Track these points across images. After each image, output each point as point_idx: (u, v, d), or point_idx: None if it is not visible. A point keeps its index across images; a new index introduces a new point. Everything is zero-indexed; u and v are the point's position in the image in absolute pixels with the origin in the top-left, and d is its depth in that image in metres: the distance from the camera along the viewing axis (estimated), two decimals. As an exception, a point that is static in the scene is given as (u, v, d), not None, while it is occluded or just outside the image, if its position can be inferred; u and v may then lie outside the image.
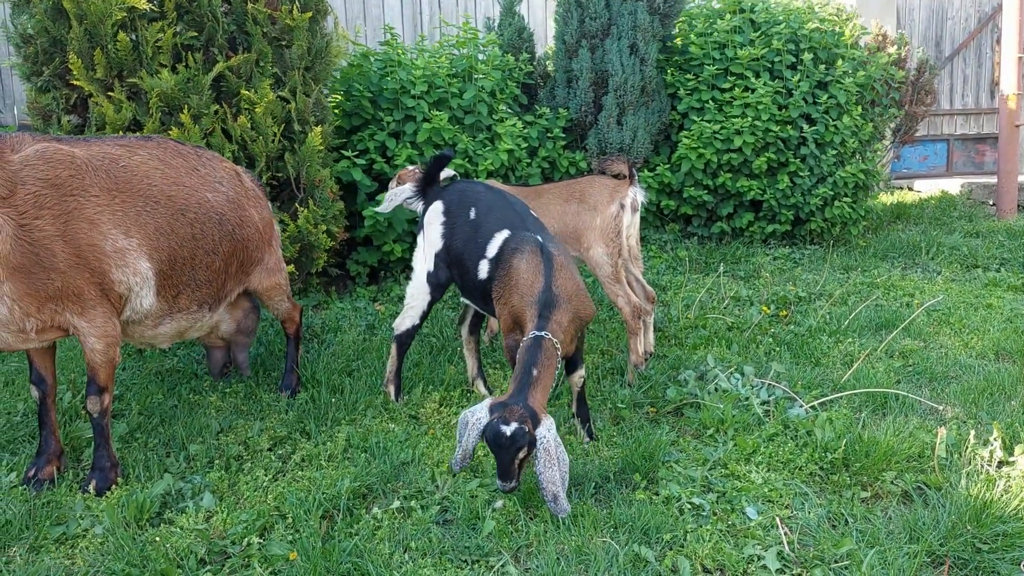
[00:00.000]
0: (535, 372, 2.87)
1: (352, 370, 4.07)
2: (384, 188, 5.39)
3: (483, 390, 3.87)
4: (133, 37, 4.38)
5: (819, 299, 5.21)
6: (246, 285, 3.63)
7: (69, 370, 4.05)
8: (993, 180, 9.24)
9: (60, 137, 3.00)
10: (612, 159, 4.24)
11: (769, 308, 4.91)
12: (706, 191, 6.13)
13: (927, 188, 9.98)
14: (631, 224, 4.11)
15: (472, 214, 3.52)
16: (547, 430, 2.73)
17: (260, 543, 2.66)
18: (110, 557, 2.58)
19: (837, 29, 6.04)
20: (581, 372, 3.31)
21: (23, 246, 2.70)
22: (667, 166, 6.12)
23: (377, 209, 4.33)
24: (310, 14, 4.72)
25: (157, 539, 2.66)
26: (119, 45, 4.29)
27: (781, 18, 6.02)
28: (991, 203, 8.84)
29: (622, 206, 4.05)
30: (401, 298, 5.32)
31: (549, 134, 5.97)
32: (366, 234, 5.36)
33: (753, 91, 5.93)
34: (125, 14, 4.29)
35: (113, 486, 2.99)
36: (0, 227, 2.66)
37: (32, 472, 3.02)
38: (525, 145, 5.68)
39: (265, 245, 3.65)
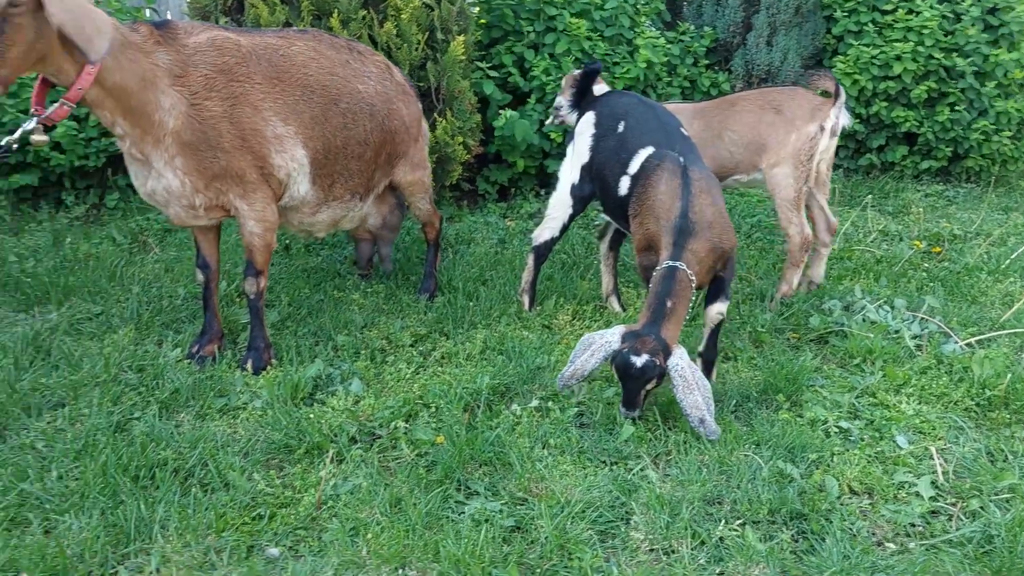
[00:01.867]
0: (668, 304, 2.80)
1: (486, 279, 4.12)
2: (520, 103, 5.36)
3: (616, 307, 3.84)
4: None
5: (976, 238, 4.88)
6: (392, 177, 3.70)
7: (223, 261, 4.27)
8: None
9: (226, 27, 3.10)
10: (819, 74, 3.96)
11: (921, 243, 4.64)
12: (857, 120, 5.78)
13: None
14: (827, 149, 3.80)
15: (621, 127, 3.43)
16: (679, 359, 2.69)
17: (406, 427, 2.76)
18: (269, 428, 2.74)
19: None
20: (721, 307, 3.07)
21: (194, 124, 2.84)
22: (819, 92, 5.80)
23: (547, 123, 4.33)
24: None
25: (311, 416, 2.80)
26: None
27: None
28: None
29: (822, 128, 3.73)
30: (531, 215, 5.34)
31: (691, 51, 5.75)
32: (496, 150, 5.35)
33: (918, 14, 5.49)
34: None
35: (267, 365, 3.16)
36: (175, 104, 2.81)
37: (196, 349, 3.23)
38: (665, 59, 5.49)
39: (412, 140, 3.71)
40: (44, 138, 2.72)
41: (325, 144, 3.19)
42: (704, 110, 4.04)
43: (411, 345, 3.42)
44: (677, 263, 2.84)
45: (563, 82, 4.17)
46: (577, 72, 4.14)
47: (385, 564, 2.12)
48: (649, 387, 2.75)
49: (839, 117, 3.77)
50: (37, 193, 5.03)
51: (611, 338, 2.75)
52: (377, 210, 3.80)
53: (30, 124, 2.69)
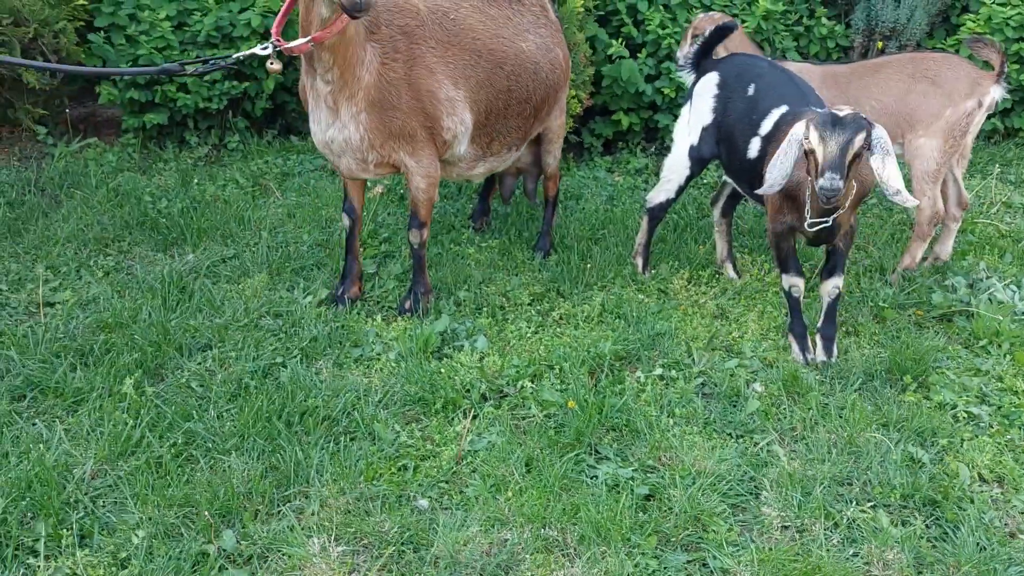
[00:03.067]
0: None
1: (598, 238, 4.15)
2: (632, 55, 5.27)
3: (732, 274, 3.84)
4: None
5: (1110, 214, 4.67)
6: (545, 124, 3.81)
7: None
8: None
9: None
10: (984, 42, 3.66)
11: (1050, 219, 4.46)
12: (983, 83, 5.52)
13: None
14: (978, 123, 3.64)
15: (751, 90, 3.38)
16: (882, 131, 2.69)
17: (532, 388, 2.86)
18: (404, 380, 2.88)
19: None
20: (838, 281, 3.09)
21: (382, 82, 2.98)
22: (944, 50, 5.54)
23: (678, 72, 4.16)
24: None
25: (442, 371, 2.92)
26: None
27: None
28: None
29: (980, 104, 3.55)
30: (638, 170, 5.31)
31: (809, 3, 5.54)
32: (603, 102, 5.30)
33: (1062, -31, 5.16)
34: None
35: (428, 309, 3.35)
36: (372, 60, 2.95)
37: (340, 292, 3.41)
38: (784, 11, 5.31)
39: (563, 85, 3.81)
40: (278, 66, 2.90)
41: (488, 107, 3.31)
42: (838, 74, 3.87)
43: (529, 304, 3.49)
44: None
45: (688, 31, 4.05)
46: (703, 19, 4.02)
47: (528, 523, 2.23)
48: (857, 144, 2.65)
49: (998, 94, 3.57)
50: (162, 132, 5.23)
51: (797, 129, 2.75)
52: (528, 149, 3.92)
53: (265, 50, 2.86)
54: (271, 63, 2.88)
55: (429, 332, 3.11)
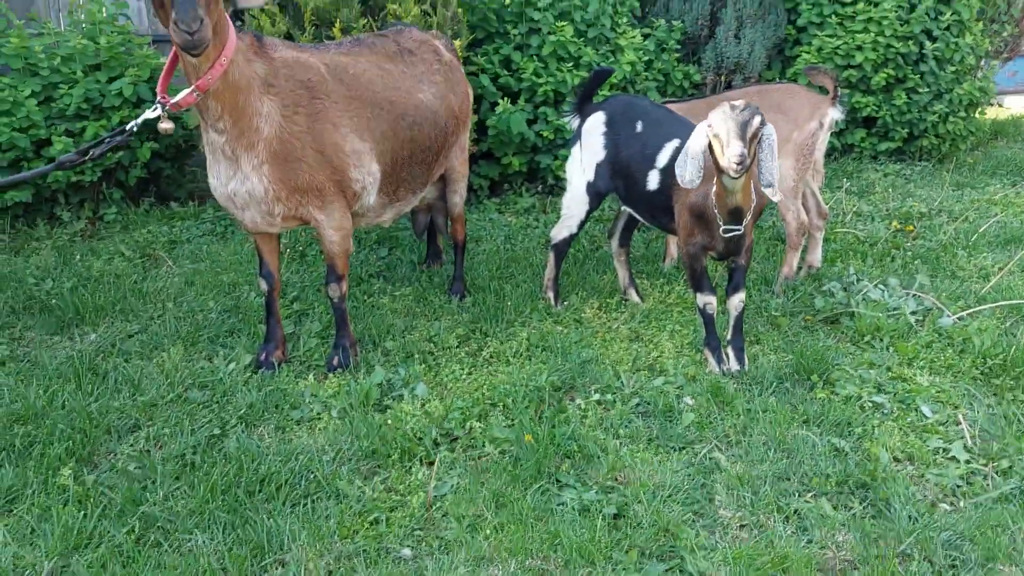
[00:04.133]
0: None
1: (507, 276, 4.29)
2: (512, 101, 5.50)
3: (636, 298, 4.07)
4: (287, -50, 4.49)
5: (939, 215, 5.31)
6: (446, 166, 3.94)
7: (247, 272, 4.32)
8: (1088, 97, 9.09)
9: (300, 45, 3.25)
10: (819, 69, 4.12)
11: (897, 224, 5.02)
12: (820, 107, 6.15)
13: (1017, 105, 9.83)
14: (823, 141, 4.10)
15: (639, 127, 3.65)
16: (771, 129, 2.94)
17: (481, 427, 2.93)
18: (351, 436, 2.87)
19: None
20: (742, 296, 3.38)
21: (284, 135, 2.98)
22: (784, 81, 6.14)
23: None
24: (455, -72, 4.76)
25: (389, 422, 2.95)
26: (275, -43, 4.40)
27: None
28: (1088, 121, 8.70)
29: (821, 124, 4.00)
30: (527, 209, 5.52)
31: (663, 47, 6.00)
32: (489, 147, 5.50)
33: (876, 5, 5.87)
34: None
35: (356, 363, 3.35)
36: (271, 112, 2.95)
37: (263, 356, 3.34)
38: (645, 58, 5.73)
39: (462, 125, 3.95)
40: (170, 125, 2.82)
41: (393, 157, 3.38)
42: (697, 108, 4.19)
43: (457, 346, 3.57)
44: None
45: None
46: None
47: (512, 556, 2.30)
48: (755, 125, 2.87)
49: (836, 115, 4.04)
50: (30, 209, 4.95)
51: (700, 126, 2.97)
52: (435, 187, 4.03)
53: (155, 112, 2.79)
54: (162, 123, 2.83)
55: (368, 386, 3.12)
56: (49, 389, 3.09)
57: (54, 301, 3.87)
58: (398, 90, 3.44)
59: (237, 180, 3.01)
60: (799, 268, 4.29)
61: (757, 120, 2.88)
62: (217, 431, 2.91)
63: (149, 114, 2.83)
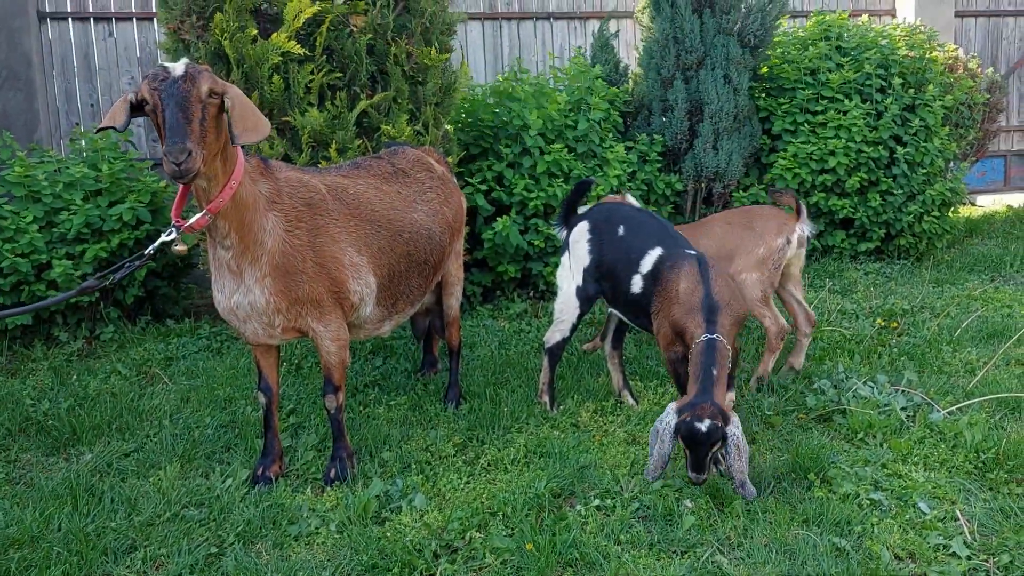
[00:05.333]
0: (715, 372, 3.11)
1: (501, 382, 4.34)
2: (501, 212, 5.69)
3: (631, 400, 4.11)
4: (285, 78, 4.73)
5: (921, 311, 5.43)
6: (443, 274, 4.10)
7: (243, 386, 4.35)
8: (1055, 194, 9.43)
9: (303, 167, 3.45)
10: (781, 191, 4.43)
11: (882, 320, 5.13)
12: (799, 210, 6.38)
13: (988, 203, 10.16)
14: (796, 255, 4.30)
15: (621, 231, 3.79)
16: (736, 427, 2.97)
17: (481, 537, 2.92)
18: (351, 550, 2.85)
19: (927, 56, 6.30)
20: (731, 395, 3.41)
21: (286, 248, 3.12)
22: (761, 187, 6.39)
23: None
24: (447, 56, 5.05)
25: (388, 535, 2.93)
26: (273, 87, 4.64)
27: (872, 44, 6.29)
28: (1057, 216, 8.99)
29: (788, 240, 4.20)
30: (519, 315, 5.62)
31: (646, 158, 6.25)
32: (483, 256, 5.65)
33: (846, 113, 6.18)
34: (280, 58, 4.64)
35: (354, 472, 3.36)
36: (275, 227, 3.10)
37: (260, 471, 3.34)
38: (629, 170, 5.97)
39: (457, 235, 4.13)
40: (184, 247, 2.97)
41: (390, 270, 3.51)
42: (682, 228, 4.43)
43: (454, 455, 3.58)
44: (715, 335, 3.17)
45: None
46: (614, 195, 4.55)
47: (517, 671, 2.26)
48: (714, 449, 2.96)
49: (804, 229, 4.25)
50: (27, 331, 5.00)
51: (668, 418, 3.00)
52: (431, 293, 4.16)
53: (170, 235, 2.93)
54: (176, 245, 2.96)
55: (366, 498, 3.12)
56: (45, 511, 3.06)
57: (51, 422, 3.88)
58: (395, 210, 3.62)
59: (240, 293, 3.12)
60: (776, 368, 4.37)
61: (717, 445, 2.96)
62: (215, 549, 2.89)
63: (165, 237, 2.98)
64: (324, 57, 4.77)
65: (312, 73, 4.70)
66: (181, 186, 3.03)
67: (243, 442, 3.72)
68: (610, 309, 4.01)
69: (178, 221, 2.95)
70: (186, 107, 2.63)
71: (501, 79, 5.97)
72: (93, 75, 7.32)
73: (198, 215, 2.91)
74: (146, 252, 3.02)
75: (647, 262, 3.60)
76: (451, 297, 4.22)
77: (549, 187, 5.57)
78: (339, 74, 4.83)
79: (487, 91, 5.87)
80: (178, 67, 2.70)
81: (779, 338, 4.21)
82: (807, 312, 4.44)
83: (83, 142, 5.66)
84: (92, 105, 7.33)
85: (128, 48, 7.39)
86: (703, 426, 2.94)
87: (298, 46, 4.60)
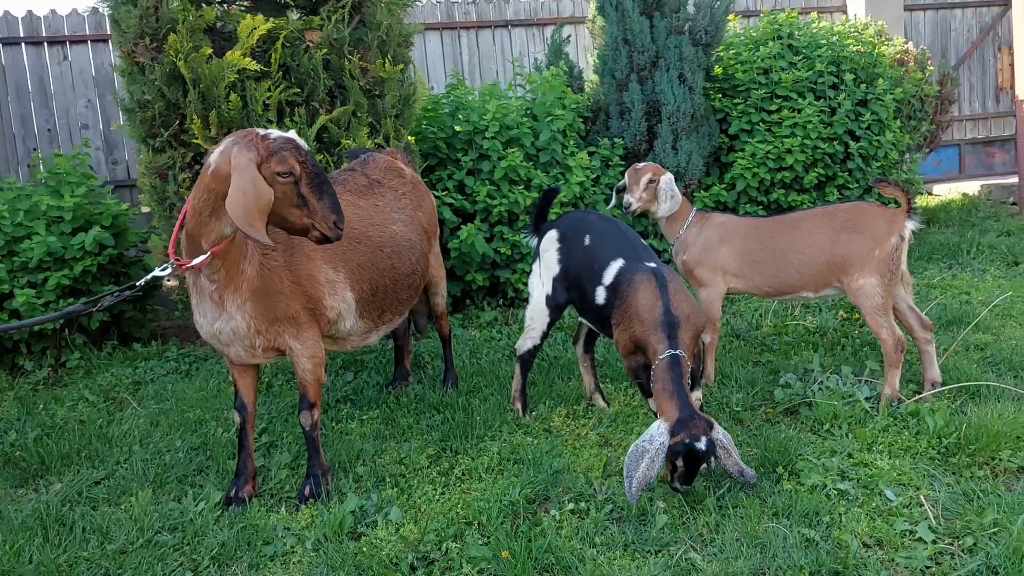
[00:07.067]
0: (684, 385, 3.17)
1: (473, 391, 4.36)
2: (467, 221, 5.72)
3: (601, 403, 4.15)
4: (242, 96, 4.72)
5: (883, 302, 5.53)
6: (427, 278, 4.18)
7: (214, 407, 4.32)
8: (1008, 180, 9.66)
9: None
10: (887, 182, 3.91)
11: (844, 313, 5.23)
12: (760, 207, 6.48)
13: (944, 192, 10.38)
14: (904, 253, 3.92)
15: (587, 240, 3.82)
16: (718, 431, 3.05)
17: (457, 547, 2.93)
18: (327, 568, 2.85)
19: (876, 51, 6.44)
20: (698, 394, 3.48)
21: (264, 271, 3.15)
22: (722, 186, 6.48)
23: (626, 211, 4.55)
24: (402, 66, 5.07)
25: (364, 550, 2.93)
26: (231, 105, 4.62)
27: (823, 42, 6.42)
28: (1011, 202, 9.21)
29: (902, 238, 3.85)
30: (489, 323, 5.64)
31: (608, 163, 6.32)
32: (451, 265, 5.67)
33: (800, 111, 6.30)
34: (236, 75, 4.63)
35: (328, 489, 3.36)
36: (252, 253, 3.13)
37: (233, 491, 3.33)
38: (592, 175, 6.03)
39: (433, 236, 4.22)
40: (175, 283, 2.99)
41: (373, 285, 3.57)
42: (761, 228, 4.21)
43: (428, 466, 3.59)
44: (678, 351, 3.22)
45: (628, 178, 4.43)
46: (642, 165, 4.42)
47: None
48: (712, 462, 3.03)
49: (913, 227, 3.89)
50: (-10, 361, 4.93)
51: (660, 438, 3.01)
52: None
53: (166, 271, 2.99)
54: (168, 281, 3.00)
55: (341, 514, 3.12)
56: (15, 544, 3.02)
57: (18, 453, 3.83)
58: (374, 226, 3.68)
59: (222, 320, 3.15)
60: (900, 388, 3.96)
61: (713, 463, 3.05)
62: (190, 574, 2.87)
63: (159, 272, 3.04)
64: (281, 73, 4.77)
65: (270, 90, 4.70)
66: (178, 222, 3.05)
67: (215, 464, 3.70)
68: (580, 317, 4.05)
69: (176, 259, 3.00)
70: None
71: (457, 79, 6.00)
72: (49, 99, 7.24)
73: (202, 257, 2.95)
74: (138, 283, 3.08)
75: (609, 274, 3.62)
76: (436, 296, 4.37)
77: (510, 193, 5.60)
78: (297, 90, 4.84)
79: (440, 101, 5.89)
80: (300, 139, 2.93)
81: (899, 350, 3.86)
82: (920, 317, 4.07)
83: (40, 166, 5.60)
84: (49, 130, 7.25)
85: (84, 71, 7.32)
86: (702, 445, 2.99)
87: (254, 63, 4.60)
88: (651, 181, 4.35)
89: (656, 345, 3.29)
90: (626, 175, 4.43)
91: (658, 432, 3.03)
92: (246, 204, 2.76)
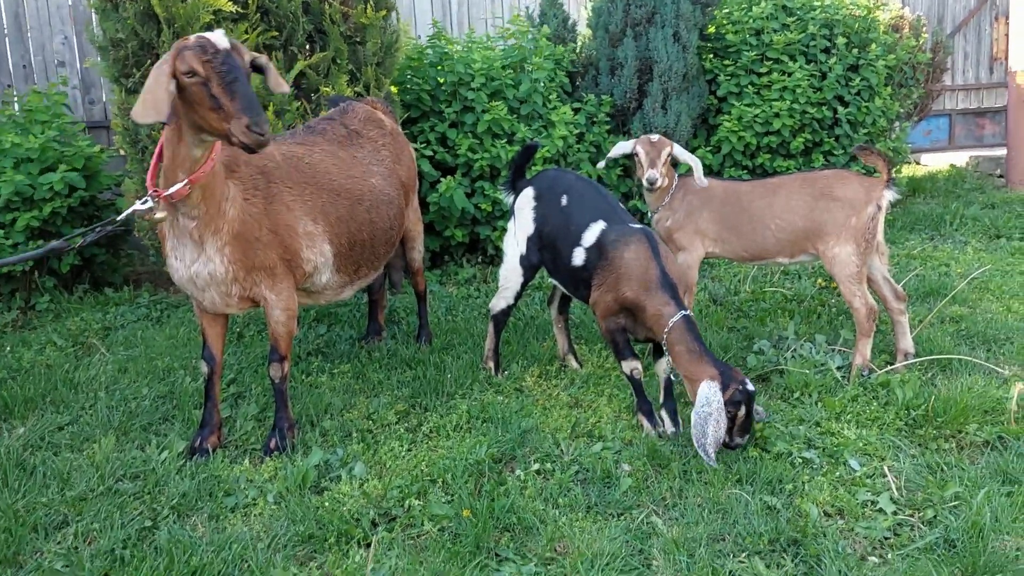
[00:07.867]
0: (705, 343, 3.21)
1: (447, 348, 4.33)
2: (447, 175, 5.63)
3: (575, 364, 4.13)
4: (219, 38, 4.57)
5: (862, 271, 5.51)
6: (404, 232, 4.14)
7: (183, 356, 4.28)
8: (996, 152, 9.61)
9: None
10: (869, 150, 3.91)
11: (823, 281, 5.21)
12: (745, 171, 6.41)
13: (932, 162, 10.33)
14: (881, 223, 3.91)
15: (564, 201, 3.76)
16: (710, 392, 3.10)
17: (420, 505, 2.92)
18: (288, 521, 2.84)
19: (870, 16, 6.32)
20: (669, 359, 3.44)
21: (244, 216, 3.09)
22: (708, 148, 6.40)
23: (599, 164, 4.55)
24: (384, 12, 4.93)
25: (326, 504, 2.92)
26: (206, 46, 4.48)
27: (817, 3, 6.30)
28: (998, 174, 9.18)
29: (879, 207, 3.82)
30: (467, 280, 5.59)
31: (594, 119, 6.21)
32: (430, 220, 5.59)
33: (790, 75, 6.20)
34: (211, 16, 4.48)
35: (294, 443, 3.35)
36: (235, 195, 3.07)
37: (198, 442, 3.31)
38: (576, 131, 5.93)
39: (412, 189, 4.16)
40: (163, 214, 2.94)
41: (351, 239, 3.52)
42: (740, 191, 4.13)
43: (396, 422, 3.57)
44: (687, 311, 3.23)
45: (642, 150, 4.08)
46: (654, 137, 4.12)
47: (450, 636, 2.28)
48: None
49: (891, 196, 3.86)
50: (-44, 302, 4.85)
51: (715, 397, 3.02)
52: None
53: (145, 203, 2.90)
54: (156, 213, 2.92)
55: (305, 468, 3.10)
56: (-28, 489, 2.99)
57: (-19, 395, 3.77)
58: (353, 178, 3.62)
59: (200, 262, 3.08)
60: (870, 360, 3.93)
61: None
62: (149, 523, 2.85)
63: (139, 206, 2.94)
64: (259, 16, 4.62)
65: (247, 32, 4.55)
66: (156, 153, 2.96)
67: (181, 413, 3.67)
68: (551, 279, 4.00)
69: (155, 190, 2.90)
70: (247, 78, 2.68)
71: (437, 29, 5.86)
72: (24, 35, 7.03)
73: (179, 184, 2.86)
74: (118, 219, 3.02)
75: (590, 235, 3.57)
76: (413, 251, 4.34)
77: (492, 147, 5.51)
78: (275, 33, 4.70)
79: (424, 51, 5.75)
80: (221, 39, 2.72)
81: (871, 320, 3.85)
82: (894, 287, 4.05)
83: (15, 105, 5.45)
84: (24, 66, 7.05)
85: (60, 7, 7.10)
86: (751, 387, 3.07)
87: (230, 3, 4.45)
88: (669, 154, 4.10)
89: (661, 308, 3.27)
90: (638, 147, 4.07)
91: (711, 392, 3.03)
92: (143, 97, 2.67)
